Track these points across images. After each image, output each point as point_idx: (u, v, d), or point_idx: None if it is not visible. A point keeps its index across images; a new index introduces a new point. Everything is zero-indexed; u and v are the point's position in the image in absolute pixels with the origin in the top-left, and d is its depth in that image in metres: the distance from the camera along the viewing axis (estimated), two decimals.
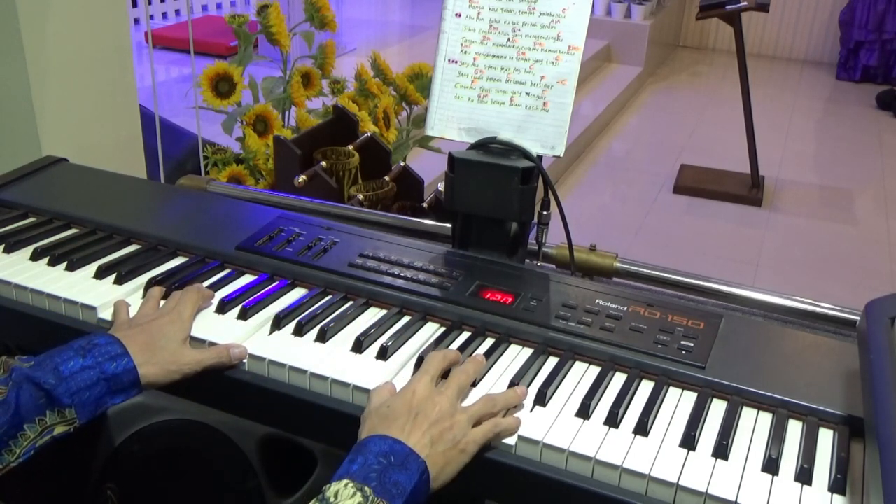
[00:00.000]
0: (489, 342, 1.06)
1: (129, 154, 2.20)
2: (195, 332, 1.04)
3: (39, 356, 0.93)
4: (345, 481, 0.79)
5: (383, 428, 0.86)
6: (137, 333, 0.99)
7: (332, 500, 0.77)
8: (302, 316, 1.07)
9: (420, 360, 0.99)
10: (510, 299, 1.10)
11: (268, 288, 1.15)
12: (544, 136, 1.20)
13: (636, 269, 1.34)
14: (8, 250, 1.22)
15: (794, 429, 0.92)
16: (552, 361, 1.02)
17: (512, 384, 0.96)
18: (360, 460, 0.81)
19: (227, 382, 1.01)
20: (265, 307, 1.10)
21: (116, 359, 0.95)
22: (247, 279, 1.18)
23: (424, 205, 2.12)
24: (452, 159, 1.20)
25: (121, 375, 0.94)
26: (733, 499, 0.82)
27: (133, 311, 1.07)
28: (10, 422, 0.87)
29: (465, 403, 0.92)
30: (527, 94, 1.20)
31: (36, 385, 0.89)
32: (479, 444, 0.88)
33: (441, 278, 1.14)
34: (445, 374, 0.96)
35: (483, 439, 0.88)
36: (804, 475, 0.85)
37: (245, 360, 1.01)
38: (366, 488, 0.78)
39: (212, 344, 1.03)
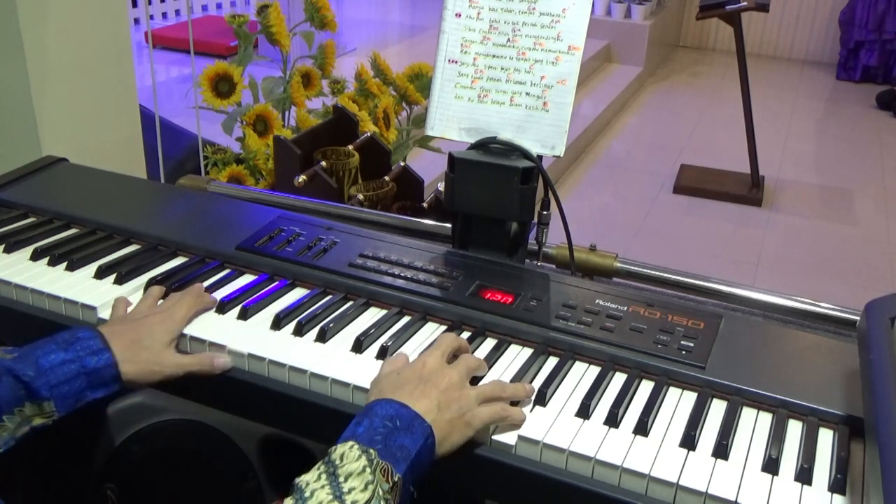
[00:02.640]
0: (489, 342, 1.06)
1: (129, 154, 2.20)
2: (195, 332, 1.04)
3: (24, 348, 0.94)
4: (350, 443, 0.79)
5: (390, 392, 0.87)
6: (124, 330, 1.00)
7: (337, 462, 0.77)
8: (302, 316, 1.07)
9: None
10: (510, 299, 1.10)
11: (268, 288, 1.15)
12: (544, 136, 1.20)
13: (636, 269, 1.34)
14: (8, 250, 1.22)
15: (794, 429, 0.92)
16: (552, 361, 1.02)
17: None
18: (366, 423, 0.82)
19: (227, 382, 1.01)
20: (265, 307, 1.10)
21: (97, 353, 0.95)
22: (247, 279, 1.18)
23: (424, 205, 2.12)
24: (452, 159, 1.20)
25: (101, 370, 0.95)
26: (733, 499, 0.82)
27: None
28: None
29: None
30: (527, 94, 1.20)
31: (15, 377, 0.90)
32: (484, 421, 0.88)
33: (441, 278, 1.14)
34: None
35: (489, 419, 0.89)
36: (804, 475, 0.85)
37: (247, 361, 1.01)
38: (371, 451, 0.78)
39: (212, 344, 1.03)
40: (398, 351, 1.01)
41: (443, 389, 0.88)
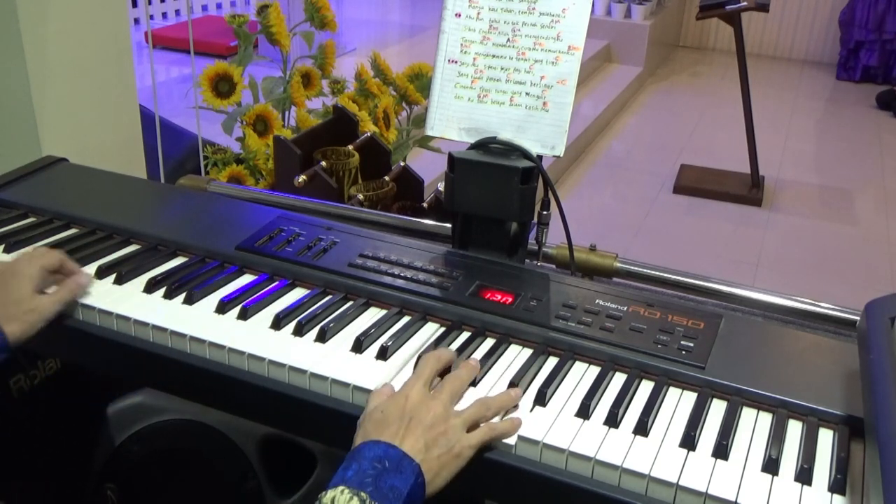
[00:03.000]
0: (489, 342, 1.06)
1: (129, 154, 2.19)
2: (195, 333, 1.04)
3: None
4: (340, 488, 0.79)
5: (377, 433, 0.86)
6: None
7: None
8: (302, 316, 1.07)
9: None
10: (510, 299, 1.10)
11: (268, 288, 1.15)
12: (544, 136, 1.20)
13: (636, 269, 1.34)
14: (8, 250, 1.22)
15: (794, 429, 0.92)
16: (552, 361, 1.02)
17: (512, 384, 0.96)
18: (354, 466, 0.81)
19: (227, 382, 1.01)
20: (265, 307, 1.10)
21: None
22: (247, 279, 1.18)
23: (424, 205, 2.12)
24: (452, 159, 1.20)
25: None
26: (733, 499, 0.82)
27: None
28: None
29: (462, 405, 0.92)
30: (527, 94, 1.20)
31: None
32: (474, 448, 0.88)
33: (441, 278, 1.14)
34: (443, 374, 0.96)
35: (478, 444, 0.88)
36: (804, 475, 0.85)
37: (247, 361, 1.01)
38: (362, 493, 0.78)
39: (212, 344, 1.03)
40: (384, 384, 0.97)
41: (428, 425, 0.87)
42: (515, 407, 0.94)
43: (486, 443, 0.89)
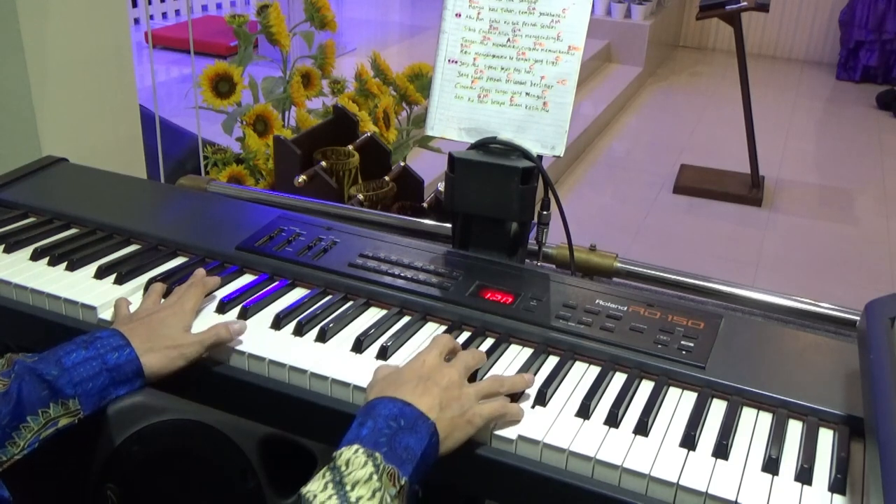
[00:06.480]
0: (489, 342, 1.06)
1: (129, 154, 2.20)
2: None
3: (43, 353, 0.94)
4: (355, 447, 0.78)
5: (392, 391, 0.86)
6: (138, 326, 1.00)
7: (343, 468, 0.76)
8: (302, 316, 1.07)
9: None
10: (510, 299, 1.10)
11: (268, 288, 1.15)
12: (544, 136, 1.20)
13: (636, 269, 1.34)
14: (8, 250, 1.22)
15: (794, 429, 0.92)
16: (552, 361, 1.02)
17: None
18: (369, 424, 0.81)
19: (227, 382, 1.01)
20: (265, 307, 1.10)
21: (118, 349, 0.95)
22: (247, 279, 1.18)
23: (424, 205, 2.12)
24: (452, 159, 1.20)
25: (123, 366, 0.94)
26: (733, 499, 0.82)
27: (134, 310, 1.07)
28: (12, 413, 0.87)
29: None
30: (527, 94, 1.20)
31: (38, 377, 0.89)
32: (485, 418, 0.88)
33: (441, 278, 1.14)
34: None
35: (489, 415, 0.89)
36: (804, 475, 0.85)
37: (247, 361, 1.01)
38: (377, 455, 0.78)
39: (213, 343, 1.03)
40: (396, 353, 1.01)
41: (444, 387, 0.88)
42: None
43: (497, 418, 0.90)
